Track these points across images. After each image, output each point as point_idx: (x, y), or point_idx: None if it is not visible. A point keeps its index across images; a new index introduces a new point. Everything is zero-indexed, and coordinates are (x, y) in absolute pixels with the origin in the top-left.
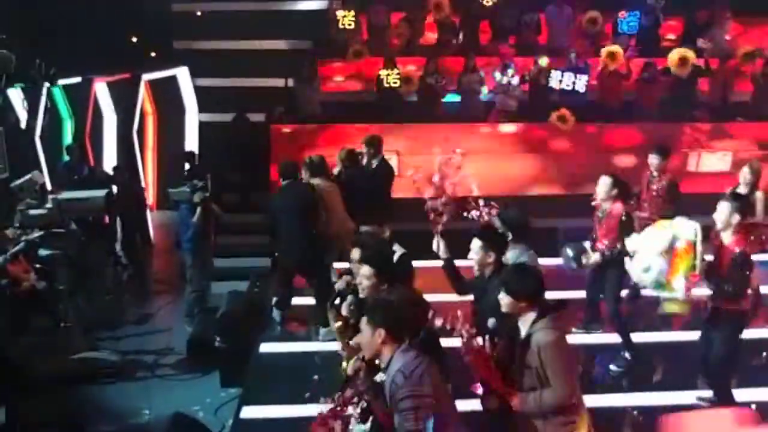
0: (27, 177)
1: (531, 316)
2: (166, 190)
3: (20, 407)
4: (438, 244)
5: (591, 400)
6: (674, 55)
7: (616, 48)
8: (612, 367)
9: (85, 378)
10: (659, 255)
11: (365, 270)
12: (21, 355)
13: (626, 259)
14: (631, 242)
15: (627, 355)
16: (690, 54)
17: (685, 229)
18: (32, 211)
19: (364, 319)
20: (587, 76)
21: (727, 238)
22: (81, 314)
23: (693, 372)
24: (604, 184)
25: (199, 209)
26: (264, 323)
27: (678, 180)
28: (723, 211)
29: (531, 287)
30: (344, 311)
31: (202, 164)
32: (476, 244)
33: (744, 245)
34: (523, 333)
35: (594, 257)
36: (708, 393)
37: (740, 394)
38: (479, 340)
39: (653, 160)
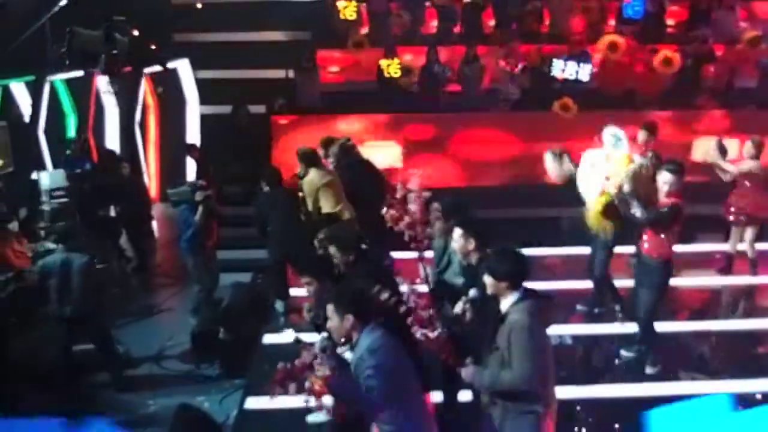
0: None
1: (511, 297)
2: (166, 189)
3: (25, 398)
4: (423, 272)
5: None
6: (659, 56)
7: (617, 38)
8: (623, 353)
9: (90, 370)
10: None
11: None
12: (26, 346)
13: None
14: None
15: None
16: (676, 55)
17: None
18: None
19: (330, 306)
20: (590, 64)
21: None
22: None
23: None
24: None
25: (201, 208)
26: (267, 314)
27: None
28: None
29: (511, 269)
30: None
31: (205, 159)
32: (457, 232)
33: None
34: (502, 313)
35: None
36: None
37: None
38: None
39: (641, 136)
